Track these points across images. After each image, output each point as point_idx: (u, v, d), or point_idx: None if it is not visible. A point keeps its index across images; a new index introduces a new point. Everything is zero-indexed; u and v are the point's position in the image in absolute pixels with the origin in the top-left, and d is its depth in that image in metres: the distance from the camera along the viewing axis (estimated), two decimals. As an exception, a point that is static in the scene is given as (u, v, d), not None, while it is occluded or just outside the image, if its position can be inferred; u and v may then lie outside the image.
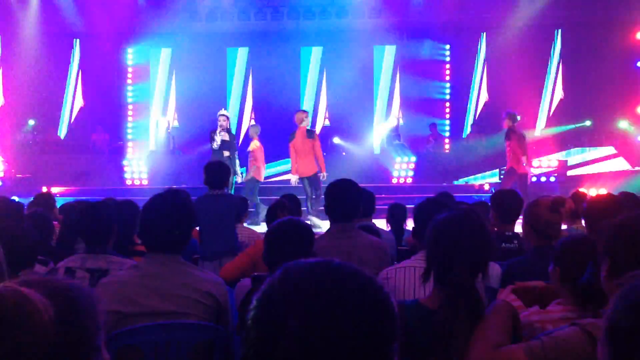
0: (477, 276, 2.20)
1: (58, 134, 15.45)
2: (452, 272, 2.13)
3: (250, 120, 15.47)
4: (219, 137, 10.05)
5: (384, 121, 15.50)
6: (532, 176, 13.59)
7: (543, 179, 13.53)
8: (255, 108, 15.86)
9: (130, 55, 15.90)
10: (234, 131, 15.15)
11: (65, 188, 12.85)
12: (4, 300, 1.03)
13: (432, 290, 2.24)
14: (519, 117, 10.63)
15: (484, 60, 15.47)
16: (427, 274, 2.25)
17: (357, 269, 1.07)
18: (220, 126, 10.09)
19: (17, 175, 13.59)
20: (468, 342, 2.03)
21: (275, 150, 13.18)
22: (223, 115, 10.25)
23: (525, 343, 2.02)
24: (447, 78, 16.28)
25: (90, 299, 1.13)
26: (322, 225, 8.21)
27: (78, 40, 15.35)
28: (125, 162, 13.99)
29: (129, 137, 15.64)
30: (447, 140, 15.82)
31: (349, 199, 3.66)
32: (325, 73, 15.58)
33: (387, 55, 15.68)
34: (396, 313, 1.06)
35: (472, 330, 2.05)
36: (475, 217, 2.27)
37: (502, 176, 10.68)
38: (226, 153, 10.02)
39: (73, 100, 15.73)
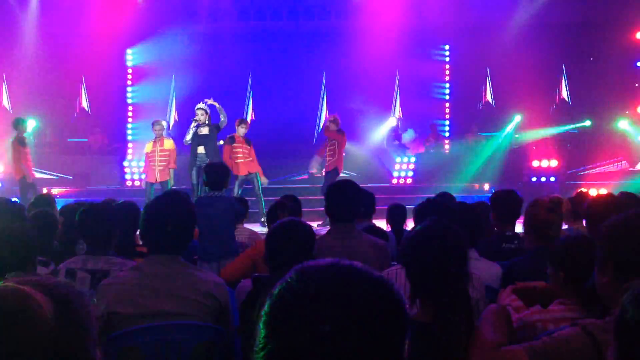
0: (463, 282, 2.16)
1: (58, 135, 15.43)
2: (440, 286, 2.11)
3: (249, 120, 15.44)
4: (190, 133, 9.73)
5: (384, 122, 15.51)
6: (532, 176, 13.63)
7: (543, 179, 13.55)
8: (254, 108, 15.87)
9: (130, 56, 15.90)
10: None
11: (66, 189, 12.85)
12: (7, 299, 1.05)
13: (421, 305, 2.19)
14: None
15: (485, 61, 15.46)
16: (413, 296, 2.19)
17: (368, 268, 1.09)
18: (197, 120, 9.74)
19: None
20: (466, 353, 2.02)
21: (276, 150, 13.19)
22: (200, 108, 9.80)
23: (527, 343, 2.02)
24: (447, 78, 16.29)
25: (81, 295, 1.16)
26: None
27: (78, 41, 15.33)
28: (125, 164, 13.99)
29: (129, 138, 15.63)
30: (447, 141, 15.84)
31: (349, 199, 3.67)
32: (324, 73, 15.59)
33: (387, 55, 15.67)
34: (406, 306, 1.08)
35: (468, 340, 2.03)
36: (443, 225, 2.25)
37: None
38: (201, 150, 9.73)
39: (74, 101, 15.71)
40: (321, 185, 10.94)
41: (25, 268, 3.04)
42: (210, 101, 9.78)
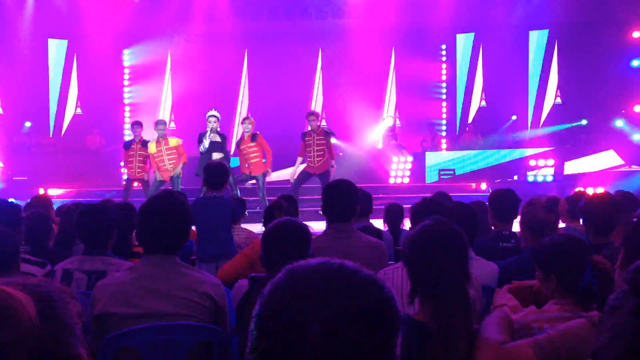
0: (464, 283, 2.15)
1: (54, 136, 15.41)
2: (441, 284, 2.09)
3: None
4: (208, 140, 9.90)
5: (381, 121, 15.51)
6: (529, 176, 13.66)
7: (540, 178, 13.57)
8: (251, 109, 15.85)
9: (127, 57, 15.89)
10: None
11: (62, 190, 12.83)
12: None
13: (420, 304, 2.18)
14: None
15: (480, 60, 15.47)
16: (413, 294, 2.18)
17: (359, 267, 1.08)
18: (211, 129, 9.93)
19: (14, 178, 13.56)
20: (465, 353, 2.01)
21: (273, 150, 13.15)
22: (213, 116, 10.00)
23: (531, 338, 2.02)
24: (444, 78, 16.30)
25: (63, 293, 1.16)
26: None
27: (74, 41, 15.32)
28: (122, 164, 13.96)
29: (126, 138, 15.61)
30: (443, 140, 15.85)
31: (346, 199, 3.67)
32: (322, 73, 15.59)
33: (384, 54, 15.69)
34: (397, 305, 1.07)
35: (467, 340, 2.03)
36: (445, 224, 2.25)
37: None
38: (217, 155, 9.87)
39: (71, 102, 15.68)
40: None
41: (9, 270, 3.04)
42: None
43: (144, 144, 10.76)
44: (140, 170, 10.72)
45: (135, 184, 10.90)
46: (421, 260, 2.17)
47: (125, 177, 10.84)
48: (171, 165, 10.50)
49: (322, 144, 10.39)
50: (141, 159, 10.73)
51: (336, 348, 0.99)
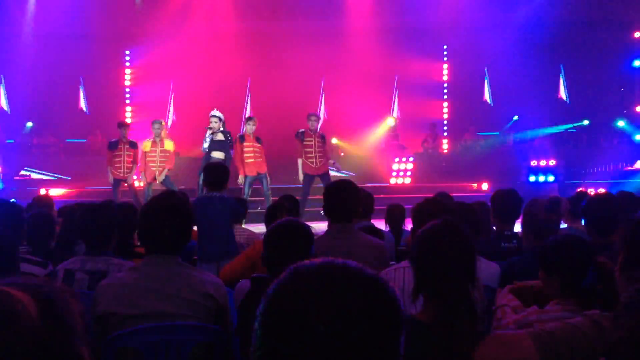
0: (468, 286, 2.14)
1: (57, 136, 15.41)
2: (446, 285, 2.09)
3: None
4: (208, 140, 9.92)
5: (382, 122, 15.51)
6: (531, 176, 13.65)
7: (542, 178, 13.57)
8: (253, 108, 15.85)
9: (129, 57, 15.89)
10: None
11: (64, 190, 12.84)
12: None
13: (424, 304, 2.18)
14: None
15: (483, 60, 15.46)
16: (416, 292, 2.18)
17: (363, 267, 1.08)
18: (211, 128, 9.94)
19: (15, 178, 13.57)
20: (468, 355, 2.01)
21: (274, 150, 13.15)
22: (214, 116, 10.01)
23: (532, 329, 2.02)
24: (445, 78, 16.29)
25: (63, 292, 1.16)
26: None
27: (76, 41, 15.32)
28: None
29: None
30: (445, 141, 15.84)
31: (347, 199, 3.66)
32: (323, 74, 15.57)
33: (385, 54, 15.67)
34: (401, 304, 1.08)
35: (471, 342, 2.02)
36: (455, 225, 2.24)
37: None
38: (218, 154, 9.89)
39: (72, 102, 15.68)
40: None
41: (8, 271, 3.03)
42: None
43: (132, 145, 10.78)
44: (128, 171, 10.70)
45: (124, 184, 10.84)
46: (428, 259, 2.16)
47: (111, 178, 10.75)
48: (160, 168, 10.50)
49: (321, 145, 10.46)
50: (130, 159, 10.71)
51: (340, 347, 0.99)
